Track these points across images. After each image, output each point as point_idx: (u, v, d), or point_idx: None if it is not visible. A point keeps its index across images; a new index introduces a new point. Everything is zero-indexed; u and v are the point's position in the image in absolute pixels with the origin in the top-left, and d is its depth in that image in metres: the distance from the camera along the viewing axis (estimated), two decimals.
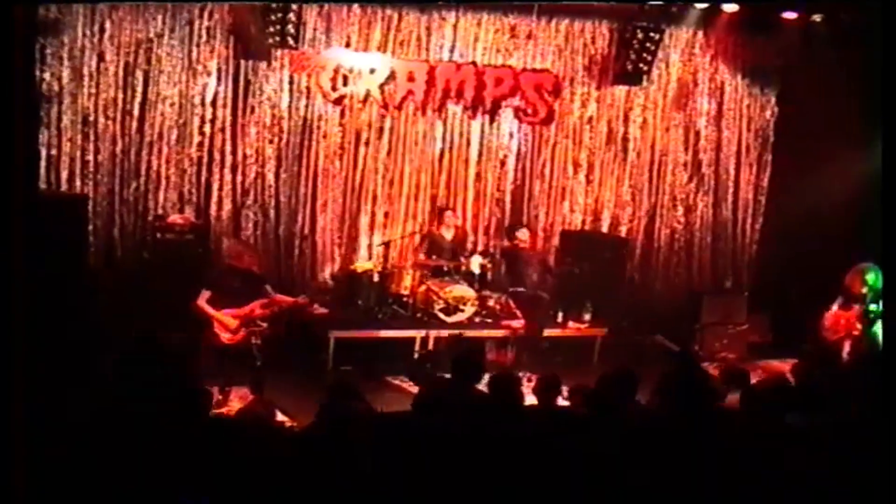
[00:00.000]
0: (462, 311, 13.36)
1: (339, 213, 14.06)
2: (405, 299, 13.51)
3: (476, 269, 13.80)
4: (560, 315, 13.89)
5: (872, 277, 11.19)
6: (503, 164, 14.83)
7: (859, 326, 11.35)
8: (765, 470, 5.94)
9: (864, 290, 11.41)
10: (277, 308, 10.72)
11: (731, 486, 5.86)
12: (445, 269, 13.68)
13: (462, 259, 13.67)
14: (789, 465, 5.97)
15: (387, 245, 14.03)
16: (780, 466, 5.96)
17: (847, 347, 11.30)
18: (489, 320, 13.63)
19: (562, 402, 8.11)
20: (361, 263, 13.94)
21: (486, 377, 8.01)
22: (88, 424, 6.03)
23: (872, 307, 11.30)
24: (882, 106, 7.21)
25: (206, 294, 10.43)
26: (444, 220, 13.77)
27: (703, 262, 15.67)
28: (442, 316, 13.22)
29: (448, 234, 13.85)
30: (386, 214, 14.35)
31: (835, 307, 11.77)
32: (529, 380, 9.96)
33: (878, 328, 11.15)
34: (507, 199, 14.93)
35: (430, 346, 12.73)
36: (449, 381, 8.13)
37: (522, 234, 13.47)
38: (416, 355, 12.60)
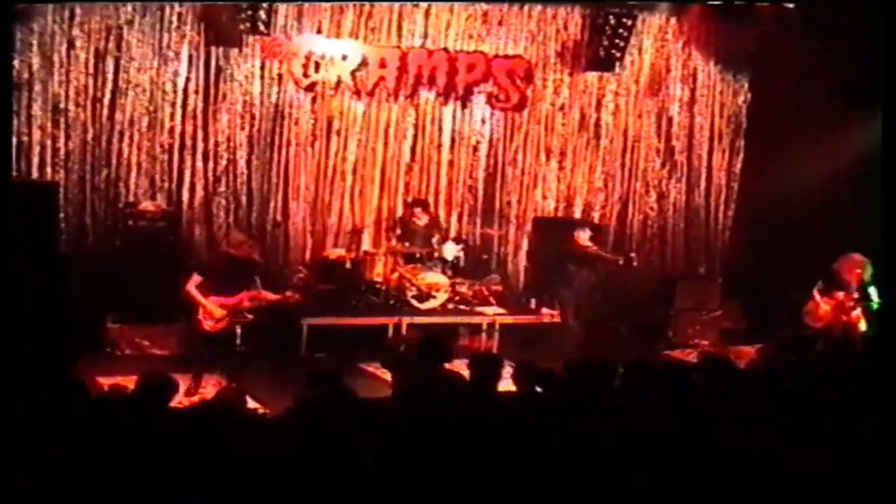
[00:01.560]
0: (434, 297, 13.52)
1: (311, 201, 14.12)
2: (378, 286, 13.54)
3: (449, 256, 13.91)
4: (533, 302, 14.06)
5: (871, 271, 11.34)
6: (476, 150, 14.94)
7: (854, 315, 11.48)
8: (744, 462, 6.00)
9: (865, 280, 11.50)
10: (265, 303, 10.69)
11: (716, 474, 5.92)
12: (418, 255, 13.76)
13: (434, 246, 13.75)
14: (787, 465, 6.00)
15: (359, 232, 14.08)
16: (777, 466, 6.00)
17: (832, 334, 11.40)
18: (462, 307, 13.77)
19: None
20: (334, 250, 14.02)
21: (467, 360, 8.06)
22: (62, 415, 6.04)
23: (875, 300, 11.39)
24: (883, 105, 7.31)
25: (196, 279, 10.37)
26: (414, 213, 13.85)
27: (676, 248, 15.82)
28: (414, 303, 13.38)
29: (420, 221, 13.94)
30: (358, 201, 14.43)
31: (816, 294, 11.81)
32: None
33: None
34: (480, 185, 15.03)
35: (404, 332, 12.81)
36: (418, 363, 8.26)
37: (584, 234, 13.18)
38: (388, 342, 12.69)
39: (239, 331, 10.35)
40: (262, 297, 10.57)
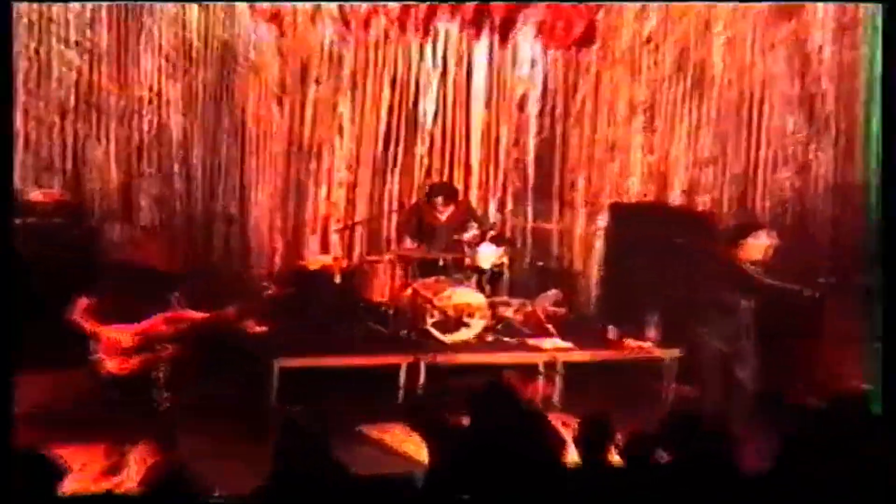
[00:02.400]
0: (467, 325, 13.19)
1: (282, 186, 14.19)
2: (383, 309, 13.41)
3: (486, 264, 13.67)
4: (611, 330, 13.74)
5: None
6: (522, 107, 14.97)
7: None
8: None
9: None
10: (188, 325, 10.48)
11: None
12: (441, 263, 13.60)
13: (465, 249, 13.58)
14: None
15: (352, 230, 14.12)
16: None
17: None
18: (507, 339, 13.46)
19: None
20: (316, 257, 13.95)
21: None
22: None
23: None
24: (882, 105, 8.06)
25: (83, 302, 10.23)
26: (434, 204, 13.84)
27: (821, 246, 15.20)
28: (437, 333, 13.04)
29: (443, 214, 13.82)
30: (350, 185, 14.42)
31: None
32: (566, 424, 9.43)
33: None
34: (531, 158, 15.05)
35: (422, 378, 12.43)
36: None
37: (761, 243, 11.94)
38: (400, 391, 12.39)
39: (158, 372, 10.27)
40: (184, 318, 10.43)
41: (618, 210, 14.91)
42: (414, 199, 14.45)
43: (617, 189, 15.02)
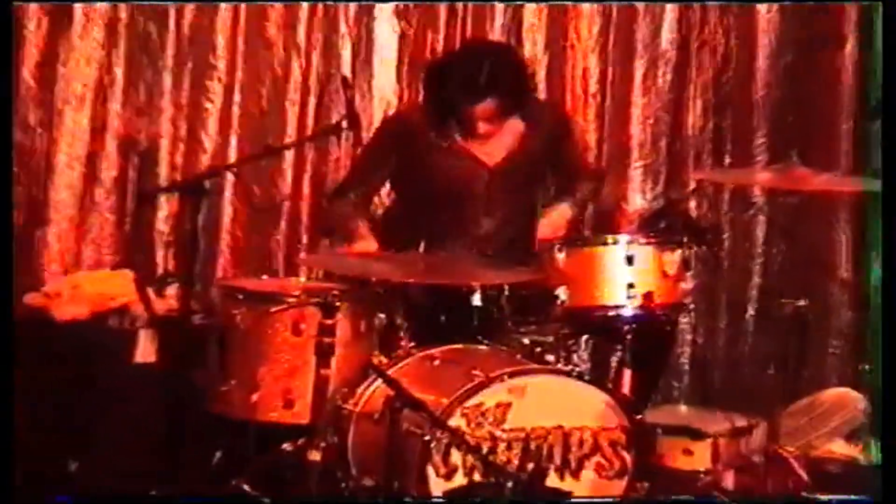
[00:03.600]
0: (539, 475, 9.32)
1: None
2: (289, 448, 9.74)
3: (627, 303, 9.51)
4: None
5: None
6: None
7: None
8: None
9: None
10: None
11: None
12: (479, 302, 9.65)
13: (558, 254, 9.59)
14: None
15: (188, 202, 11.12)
16: None
17: None
18: None
19: None
20: (75, 280, 11.12)
21: None
22: None
23: None
24: (883, 107, 10.47)
25: None
26: (468, 113, 9.83)
27: None
28: None
29: (486, 140, 9.86)
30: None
31: None
32: None
33: None
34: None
35: None
36: None
37: None
38: None
39: None
40: None
41: None
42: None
43: None
